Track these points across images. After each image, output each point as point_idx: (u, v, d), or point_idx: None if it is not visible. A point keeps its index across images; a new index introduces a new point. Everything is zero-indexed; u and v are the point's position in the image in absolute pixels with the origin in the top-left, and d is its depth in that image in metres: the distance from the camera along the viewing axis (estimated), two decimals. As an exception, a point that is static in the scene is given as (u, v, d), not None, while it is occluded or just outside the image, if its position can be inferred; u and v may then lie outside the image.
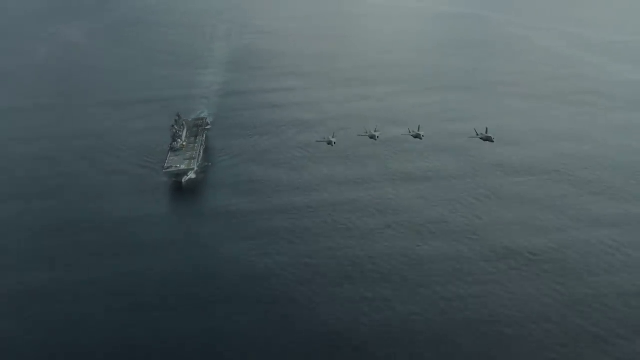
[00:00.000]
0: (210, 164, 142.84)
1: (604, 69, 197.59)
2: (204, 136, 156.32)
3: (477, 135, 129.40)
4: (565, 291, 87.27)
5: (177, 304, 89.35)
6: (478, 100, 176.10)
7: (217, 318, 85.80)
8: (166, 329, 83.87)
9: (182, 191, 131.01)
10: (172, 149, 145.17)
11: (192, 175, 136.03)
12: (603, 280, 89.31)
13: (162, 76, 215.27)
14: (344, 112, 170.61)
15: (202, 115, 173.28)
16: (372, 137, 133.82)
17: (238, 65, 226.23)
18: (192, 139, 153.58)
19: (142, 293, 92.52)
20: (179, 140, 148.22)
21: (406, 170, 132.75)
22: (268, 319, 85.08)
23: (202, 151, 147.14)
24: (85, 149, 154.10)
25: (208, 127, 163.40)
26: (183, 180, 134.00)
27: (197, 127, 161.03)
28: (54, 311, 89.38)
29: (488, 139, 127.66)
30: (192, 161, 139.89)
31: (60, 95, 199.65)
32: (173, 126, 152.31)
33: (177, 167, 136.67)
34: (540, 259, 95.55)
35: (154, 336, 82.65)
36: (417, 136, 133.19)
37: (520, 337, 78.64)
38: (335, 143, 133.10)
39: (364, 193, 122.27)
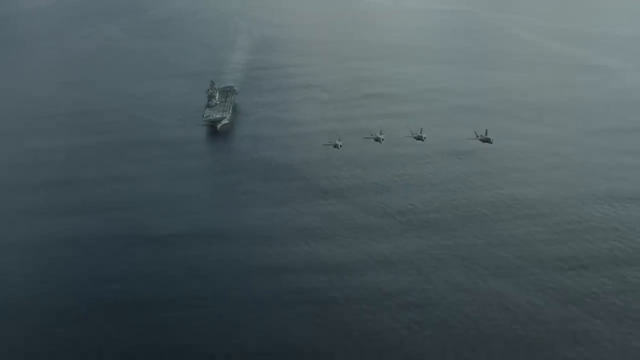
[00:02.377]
0: (237, 116, 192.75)
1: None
2: (233, 98, 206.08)
3: (477, 136, 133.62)
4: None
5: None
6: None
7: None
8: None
9: (217, 134, 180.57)
10: (209, 106, 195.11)
11: (224, 122, 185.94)
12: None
13: (196, 57, 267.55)
14: (342, 78, 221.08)
15: (231, 84, 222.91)
16: (377, 139, 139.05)
17: (258, 49, 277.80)
18: (223, 99, 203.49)
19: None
20: (213, 99, 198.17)
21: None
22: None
23: (231, 108, 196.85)
24: (138, 107, 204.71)
25: (235, 93, 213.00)
26: (218, 126, 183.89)
27: (227, 92, 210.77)
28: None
29: (487, 141, 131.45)
30: (225, 113, 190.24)
31: (111, 73, 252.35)
32: (208, 90, 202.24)
33: (213, 116, 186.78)
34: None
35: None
36: (419, 138, 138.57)
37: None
38: (341, 146, 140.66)
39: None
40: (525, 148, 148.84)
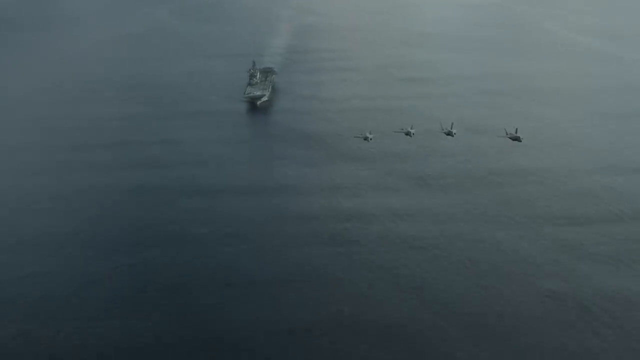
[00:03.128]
0: (275, 94, 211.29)
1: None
2: (272, 78, 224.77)
3: (507, 134, 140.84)
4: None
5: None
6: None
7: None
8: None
9: (257, 110, 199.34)
10: (250, 84, 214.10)
11: (264, 99, 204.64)
12: None
13: (239, 40, 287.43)
14: (375, 63, 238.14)
15: (271, 66, 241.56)
16: (408, 133, 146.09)
17: (298, 35, 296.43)
18: (263, 79, 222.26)
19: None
20: (255, 78, 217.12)
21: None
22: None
23: (270, 87, 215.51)
24: (186, 83, 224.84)
25: (275, 73, 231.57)
26: (258, 103, 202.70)
27: (267, 72, 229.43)
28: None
29: (516, 139, 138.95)
30: (264, 91, 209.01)
31: (160, 52, 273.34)
32: (250, 69, 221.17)
33: (254, 94, 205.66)
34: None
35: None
36: (449, 133, 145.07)
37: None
38: (371, 139, 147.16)
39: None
40: (538, 128, 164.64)
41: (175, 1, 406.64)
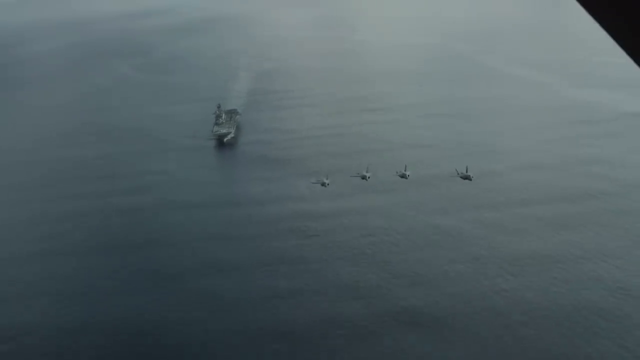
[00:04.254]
0: (240, 132, 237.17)
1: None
2: (237, 118, 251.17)
3: (458, 174, 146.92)
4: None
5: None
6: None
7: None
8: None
9: (224, 145, 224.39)
10: (217, 123, 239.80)
11: (230, 136, 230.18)
12: None
13: (202, 87, 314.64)
14: (329, 99, 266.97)
15: (234, 108, 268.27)
16: (364, 177, 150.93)
17: (257, 80, 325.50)
18: (229, 119, 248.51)
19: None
20: (220, 118, 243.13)
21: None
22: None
23: (235, 126, 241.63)
24: (157, 126, 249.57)
25: (239, 114, 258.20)
26: (225, 140, 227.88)
27: (231, 113, 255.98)
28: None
29: (467, 178, 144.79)
30: (230, 129, 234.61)
31: (129, 101, 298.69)
32: (215, 111, 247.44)
33: (221, 131, 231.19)
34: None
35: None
36: (403, 176, 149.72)
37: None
38: (328, 184, 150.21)
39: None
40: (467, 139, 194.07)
41: (137, 57, 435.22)
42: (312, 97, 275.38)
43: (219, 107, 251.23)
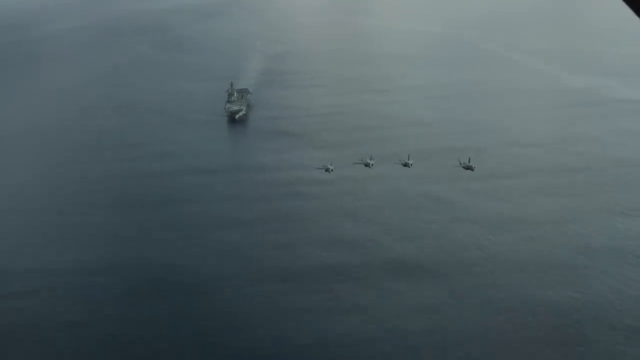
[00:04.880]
0: (250, 110, 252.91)
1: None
2: (247, 97, 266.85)
3: (460, 164, 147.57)
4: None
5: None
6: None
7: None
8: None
9: (235, 121, 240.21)
10: (229, 101, 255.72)
11: (242, 113, 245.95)
12: None
13: (217, 66, 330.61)
14: (337, 79, 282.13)
15: (246, 87, 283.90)
16: (367, 165, 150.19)
17: (269, 61, 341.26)
18: (240, 97, 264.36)
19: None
20: (232, 96, 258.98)
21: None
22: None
23: (246, 104, 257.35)
24: (174, 102, 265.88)
25: (250, 93, 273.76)
26: (236, 117, 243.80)
27: (243, 92, 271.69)
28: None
29: (469, 168, 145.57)
30: (241, 106, 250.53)
31: (147, 78, 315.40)
32: (228, 89, 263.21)
33: (233, 108, 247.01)
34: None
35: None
36: (405, 164, 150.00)
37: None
38: (332, 170, 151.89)
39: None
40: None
41: (154, 37, 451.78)
42: (320, 77, 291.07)
43: (231, 85, 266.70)
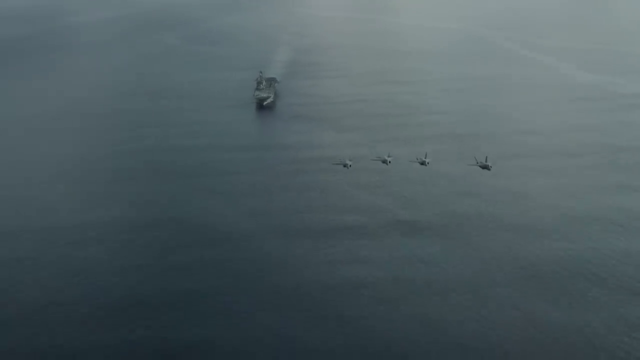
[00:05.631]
0: (278, 97, 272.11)
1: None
2: (275, 85, 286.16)
3: (477, 163, 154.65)
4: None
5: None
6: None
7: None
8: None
9: (263, 108, 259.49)
10: (257, 88, 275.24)
11: (269, 100, 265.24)
12: None
13: (245, 57, 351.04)
14: (360, 71, 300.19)
15: (274, 76, 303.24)
16: (384, 161, 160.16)
17: (296, 53, 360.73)
18: (268, 85, 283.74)
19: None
20: (261, 84, 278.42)
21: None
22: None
23: (274, 92, 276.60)
24: (205, 89, 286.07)
25: (277, 82, 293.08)
26: (264, 103, 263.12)
27: (271, 81, 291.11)
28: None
29: (485, 167, 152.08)
30: (270, 94, 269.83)
31: (180, 67, 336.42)
32: (257, 78, 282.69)
33: (261, 95, 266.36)
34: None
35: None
36: (422, 163, 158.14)
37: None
38: (350, 165, 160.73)
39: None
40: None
41: (183, 30, 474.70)
42: (344, 69, 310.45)
43: (260, 73, 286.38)
